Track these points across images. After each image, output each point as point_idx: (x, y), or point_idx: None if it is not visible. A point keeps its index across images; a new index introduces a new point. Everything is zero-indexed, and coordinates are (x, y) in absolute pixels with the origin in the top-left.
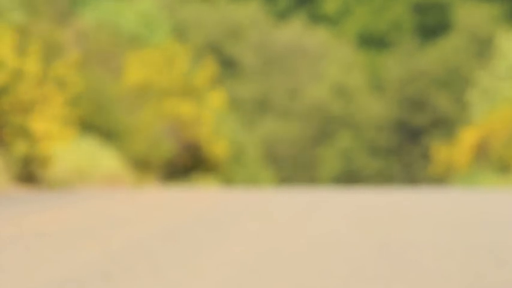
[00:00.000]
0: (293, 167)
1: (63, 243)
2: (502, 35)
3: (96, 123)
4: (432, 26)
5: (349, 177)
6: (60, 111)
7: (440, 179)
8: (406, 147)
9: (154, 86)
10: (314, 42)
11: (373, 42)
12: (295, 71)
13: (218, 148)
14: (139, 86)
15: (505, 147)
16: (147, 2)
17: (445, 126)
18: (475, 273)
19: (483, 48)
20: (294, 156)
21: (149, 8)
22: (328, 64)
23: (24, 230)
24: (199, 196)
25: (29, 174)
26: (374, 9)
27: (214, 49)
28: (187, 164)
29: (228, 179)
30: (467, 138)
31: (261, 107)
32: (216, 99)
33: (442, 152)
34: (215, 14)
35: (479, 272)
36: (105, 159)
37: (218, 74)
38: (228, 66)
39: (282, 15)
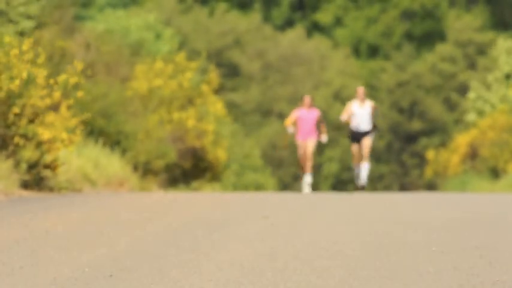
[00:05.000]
0: (293, 173)
1: (69, 244)
2: (493, 43)
3: (102, 130)
4: (425, 34)
5: (345, 181)
6: (67, 118)
7: (434, 183)
8: (401, 152)
9: (159, 94)
10: (312, 50)
11: (368, 50)
12: (294, 78)
13: (220, 154)
14: (145, 94)
15: (496, 152)
16: (153, 13)
17: (439, 131)
18: (467, 273)
19: (475, 56)
20: (293, 163)
21: (155, 19)
22: (326, 71)
23: (32, 231)
24: (201, 199)
25: (36, 178)
26: (368, 18)
27: (216, 57)
28: (190, 169)
29: (229, 184)
30: (460, 143)
31: (262, 113)
32: (219, 107)
33: (435, 157)
34: (217, 23)
35: (471, 271)
36: (110, 164)
37: (221, 83)
38: (230, 73)
39: (282, 25)
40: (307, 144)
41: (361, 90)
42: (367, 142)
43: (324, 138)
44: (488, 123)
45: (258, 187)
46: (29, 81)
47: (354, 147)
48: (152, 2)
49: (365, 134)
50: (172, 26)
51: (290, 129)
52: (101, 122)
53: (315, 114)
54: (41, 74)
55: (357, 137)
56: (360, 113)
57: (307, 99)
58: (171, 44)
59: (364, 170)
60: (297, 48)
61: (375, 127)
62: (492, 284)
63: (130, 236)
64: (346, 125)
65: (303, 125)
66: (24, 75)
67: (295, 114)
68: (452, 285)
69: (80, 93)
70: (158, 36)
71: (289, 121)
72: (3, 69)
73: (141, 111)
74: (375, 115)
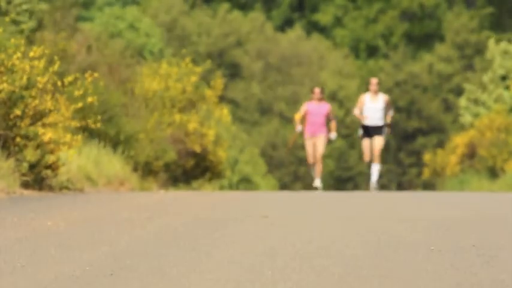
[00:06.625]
0: (292, 173)
1: (70, 242)
2: (490, 44)
3: (103, 131)
4: (424, 35)
5: (343, 180)
6: (69, 119)
7: (432, 182)
8: (398, 152)
9: (162, 96)
10: (311, 50)
11: (367, 50)
12: (294, 77)
13: (219, 154)
14: (147, 96)
15: (494, 152)
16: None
17: (436, 131)
18: (465, 272)
19: (472, 57)
20: (292, 162)
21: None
22: (324, 70)
23: (33, 230)
24: (201, 199)
25: (37, 177)
26: (368, 18)
27: (218, 57)
28: (190, 169)
29: (229, 184)
30: (458, 143)
31: (263, 112)
32: (225, 113)
33: (433, 157)
34: (220, 24)
35: (469, 270)
36: (111, 164)
37: (223, 82)
38: (232, 73)
39: (282, 26)
40: (317, 143)
41: (374, 81)
42: (378, 142)
43: (333, 135)
44: (485, 123)
45: (254, 184)
46: (30, 86)
47: (365, 143)
48: (155, 2)
49: (377, 129)
50: (176, 27)
51: (298, 128)
52: (102, 123)
53: (325, 107)
54: (44, 79)
55: (368, 131)
56: (371, 107)
57: (317, 91)
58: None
59: (374, 172)
60: (297, 48)
61: (388, 125)
62: (490, 282)
63: (131, 235)
64: (359, 120)
65: (312, 119)
66: (24, 79)
67: (304, 107)
68: (451, 284)
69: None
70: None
71: (298, 115)
72: (5, 72)
73: (142, 112)
74: (388, 111)
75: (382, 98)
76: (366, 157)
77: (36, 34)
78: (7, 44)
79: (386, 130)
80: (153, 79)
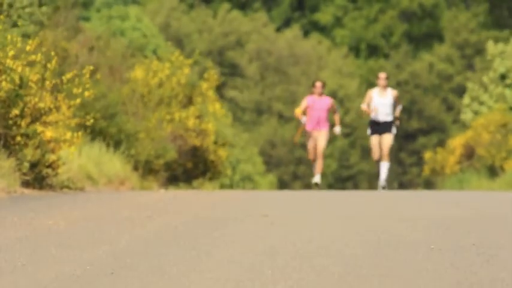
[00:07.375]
0: (292, 172)
1: (71, 241)
2: (489, 43)
3: (103, 129)
4: (423, 34)
5: (344, 179)
6: (69, 118)
7: (432, 181)
8: (399, 151)
9: (158, 93)
10: (311, 50)
11: (368, 50)
12: (292, 77)
13: (219, 153)
14: (144, 94)
15: (494, 151)
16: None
17: (437, 130)
18: (465, 271)
19: (473, 56)
20: (291, 161)
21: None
22: (323, 70)
23: (34, 229)
24: (201, 198)
25: (38, 176)
26: (368, 18)
27: (218, 57)
28: (191, 168)
29: (229, 183)
30: (458, 142)
31: (260, 112)
32: (217, 107)
33: (433, 156)
34: (219, 24)
35: (469, 269)
36: (111, 163)
37: (222, 81)
38: (232, 73)
39: (282, 26)
40: (318, 138)
41: (382, 76)
42: (387, 140)
43: (337, 130)
44: (481, 123)
45: (253, 183)
46: (23, 85)
47: (374, 140)
48: (154, 2)
49: (385, 125)
50: (174, 26)
51: (303, 119)
52: (102, 121)
53: (327, 102)
54: (35, 77)
55: (376, 128)
56: (379, 103)
57: (318, 85)
58: (169, 44)
59: (383, 170)
60: (294, 48)
61: (396, 119)
62: (490, 281)
63: (131, 234)
64: (367, 115)
65: (314, 114)
66: (17, 78)
67: (305, 102)
68: (451, 283)
69: (87, 93)
70: (150, 35)
71: (299, 110)
72: (3, 70)
73: (141, 111)
74: (397, 106)
75: (390, 93)
76: (375, 155)
77: (38, 34)
78: (4, 42)
79: (395, 126)
80: (146, 75)
